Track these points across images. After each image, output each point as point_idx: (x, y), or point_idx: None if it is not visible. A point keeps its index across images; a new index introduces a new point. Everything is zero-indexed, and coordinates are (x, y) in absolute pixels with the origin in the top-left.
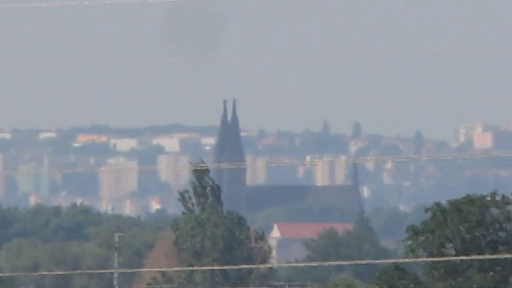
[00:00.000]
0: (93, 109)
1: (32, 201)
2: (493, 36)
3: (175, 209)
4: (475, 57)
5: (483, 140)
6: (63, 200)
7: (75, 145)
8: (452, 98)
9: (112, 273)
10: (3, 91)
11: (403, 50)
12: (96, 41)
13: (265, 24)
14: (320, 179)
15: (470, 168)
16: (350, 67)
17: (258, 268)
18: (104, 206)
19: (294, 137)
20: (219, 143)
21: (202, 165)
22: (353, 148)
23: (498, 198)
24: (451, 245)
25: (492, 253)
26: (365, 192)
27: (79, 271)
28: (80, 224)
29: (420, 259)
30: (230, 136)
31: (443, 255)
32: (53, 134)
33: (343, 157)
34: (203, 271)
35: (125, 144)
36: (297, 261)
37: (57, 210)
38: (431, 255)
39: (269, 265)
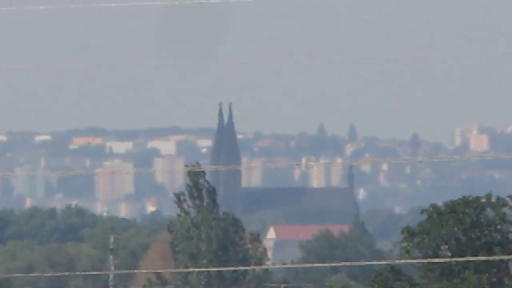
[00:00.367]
0: (89, 111)
1: (28, 203)
2: (488, 39)
3: (171, 211)
4: (471, 59)
5: (479, 142)
6: (58, 202)
7: (71, 147)
8: (448, 100)
9: (107, 275)
10: (3, 97)
11: (399, 53)
12: (93, 42)
13: (261, 27)
14: (316, 181)
15: (465, 170)
16: (346, 69)
17: (254, 269)
18: (100, 208)
19: (290, 139)
20: (215, 145)
21: (197, 167)
22: (349, 150)
23: (493, 199)
24: (446, 246)
25: (487, 255)
26: (361, 194)
27: (75, 273)
28: (75, 226)
29: (415, 261)
30: (226, 138)
31: (438, 257)
32: (48, 137)
33: (339, 160)
34: (198, 272)
35: (121, 146)
36: (293, 263)
37: (52, 212)
38: (426, 256)
39: (264, 267)
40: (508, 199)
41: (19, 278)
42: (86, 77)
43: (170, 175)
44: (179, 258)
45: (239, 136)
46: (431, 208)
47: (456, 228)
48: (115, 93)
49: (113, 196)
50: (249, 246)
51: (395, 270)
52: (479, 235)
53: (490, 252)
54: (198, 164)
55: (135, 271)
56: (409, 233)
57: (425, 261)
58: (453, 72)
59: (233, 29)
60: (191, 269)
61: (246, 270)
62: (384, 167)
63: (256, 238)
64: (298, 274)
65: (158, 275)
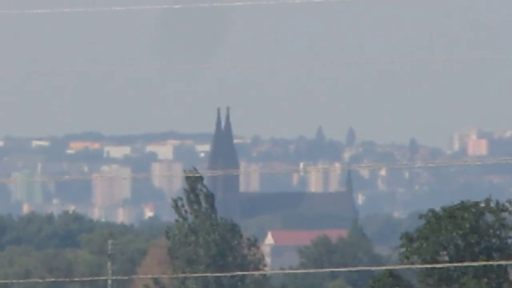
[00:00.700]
0: (86, 116)
1: (25, 208)
2: (487, 43)
3: (169, 217)
4: (470, 64)
5: (477, 147)
6: (55, 207)
7: (68, 152)
8: (447, 105)
9: (105, 281)
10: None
11: (397, 57)
12: (89, 46)
13: (260, 30)
14: (314, 185)
15: (464, 175)
16: (344, 74)
17: (252, 275)
18: (97, 213)
19: (288, 144)
20: (213, 150)
21: (195, 172)
22: (347, 155)
23: (492, 204)
24: (445, 252)
25: (487, 260)
26: (359, 198)
27: (72, 279)
28: (73, 231)
29: (414, 266)
30: (224, 143)
31: (437, 262)
32: (45, 142)
33: (337, 164)
34: (196, 278)
35: (118, 151)
36: (291, 268)
37: (50, 218)
38: (425, 262)
39: (262, 272)
40: (507, 204)
41: (17, 283)
42: (82, 82)
43: (168, 180)
44: (177, 264)
45: (237, 141)
46: (430, 213)
47: (454, 233)
48: (112, 97)
49: (111, 201)
50: (247, 251)
51: (393, 276)
52: (478, 240)
53: (489, 258)
54: (195, 169)
55: (133, 276)
56: (408, 238)
57: (424, 266)
58: (452, 77)
59: (231, 32)
60: (189, 275)
61: (244, 275)
62: (383, 172)
63: (254, 243)
64: (296, 280)
65: (156, 280)
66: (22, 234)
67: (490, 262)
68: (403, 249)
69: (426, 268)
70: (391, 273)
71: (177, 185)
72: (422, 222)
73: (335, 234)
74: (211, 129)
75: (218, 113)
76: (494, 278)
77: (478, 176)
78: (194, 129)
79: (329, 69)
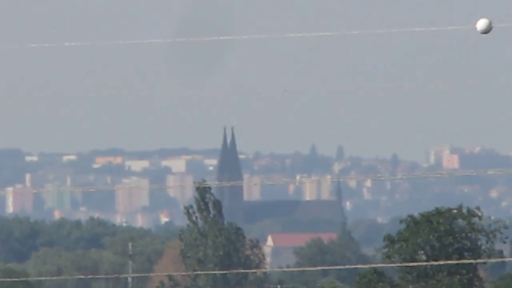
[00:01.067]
0: (110, 134)
1: (56, 215)
2: (460, 69)
3: (182, 222)
4: (444, 87)
5: (450, 161)
6: (83, 214)
7: (94, 166)
8: (424, 124)
9: (126, 278)
10: (30, 120)
11: (381, 83)
12: (113, 73)
13: (257, 57)
14: (308, 194)
15: (439, 185)
16: (335, 98)
17: (254, 272)
18: (119, 219)
19: (285, 158)
20: (220, 164)
21: (204, 183)
22: (337, 168)
23: (464, 211)
24: (422, 252)
25: (459, 259)
26: (348, 206)
27: (97, 276)
28: (98, 235)
29: (395, 264)
30: (229, 158)
31: (415, 261)
32: (74, 157)
33: (328, 176)
34: (205, 275)
35: (138, 165)
36: (288, 267)
37: (78, 223)
38: (405, 260)
39: (263, 270)
40: (476, 210)
41: (49, 280)
42: (106, 105)
43: (181, 190)
44: (188, 263)
45: (241, 156)
46: (409, 218)
47: (431, 236)
48: (132, 119)
49: (131, 208)
50: (250, 252)
51: (377, 273)
52: (452, 242)
53: (461, 257)
54: (205, 180)
55: (150, 274)
56: (390, 240)
57: (404, 265)
58: (428, 100)
59: (232, 58)
60: (199, 272)
61: (247, 273)
62: (368, 182)
63: (256, 245)
64: (293, 277)
65: (170, 277)
66: (54, 237)
67: (462, 261)
68: (385, 250)
69: (406, 266)
70: (375, 270)
71: (189, 195)
72: (402, 226)
73: (326, 237)
74: (219, 145)
75: (224, 132)
76: (465, 275)
77: (451, 186)
78: (203, 146)
79: (322, 93)
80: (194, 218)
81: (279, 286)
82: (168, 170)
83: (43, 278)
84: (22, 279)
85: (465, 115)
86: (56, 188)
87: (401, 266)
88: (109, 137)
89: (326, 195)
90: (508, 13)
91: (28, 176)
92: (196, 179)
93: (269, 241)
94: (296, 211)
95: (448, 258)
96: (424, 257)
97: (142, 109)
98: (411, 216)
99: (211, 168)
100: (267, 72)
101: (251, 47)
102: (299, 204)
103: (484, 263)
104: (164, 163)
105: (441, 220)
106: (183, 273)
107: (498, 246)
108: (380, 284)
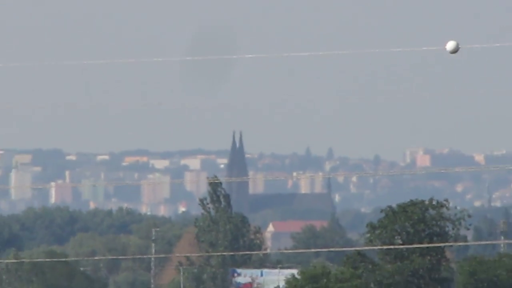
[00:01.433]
0: (137, 137)
1: (91, 205)
2: (433, 80)
3: (197, 211)
4: (418, 97)
5: (423, 160)
6: (114, 205)
7: (123, 164)
8: (401, 129)
9: (150, 258)
10: (70, 125)
11: (366, 96)
12: (136, 83)
13: (261, 71)
14: (304, 188)
15: (413, 181)
16: (326, 107)
17: (257, 254)
18: (144, 209)
19: (284, 158)
20: (230, 163)
21: (216, 179)
22: (327, 166)
23: (434, 202)
24: (399, 237)
25: (429, 243)
26: (336, 198)
27: (126, 257)
28: (126, 222)
29: (376, 247)
30: (237, 157)
31: (393, 244)
32: (106, 157)
33: (320, 173)
34: (217, 256)
35: (160, 163)
36: (286, 249)
37: (109, 212)
38: (384, 244)
39: (264, 252)
40: (444, 202)
41: (85, 260)
42: (133, 112)
43: (196, 185)
44: (202, 246)
45: (247, 156)
46: (388, 209)
47: (406, 223)
48: (157, 123)
49: (155, 200)
50: (253, 236)
51: (361, 255)
52: (423, 228)
53: (431, 241)
54: (216, 176)
55: (170, 255)
56: (372, 227)
57: (383, 247)
58: (405, 109)
59: (238, 72)
60: (211, 254)
61: (251, 254)
62: (354, 178)
63: (259, 231)
64: (290, 258)
65: (187, 258)
66: (89, 224)
67: (432, 245)
68: (368, 235)
69: (385, 249)
70: (359, 252)
71: (203, 189)
72: (382, 215)
73: (318, 224)
74: (228, 147)
75: (233, 136)
76: (434, 256)
77: (423, 182)
78: (216, 147)
79: (315, 104)
80: (207, 208)
81: (278, 266)
82: (186, 168)
83: (80, 258)
84: (62, 259)
85: (436, 121)
86: (91, 182)
87: (381, 249)
88: (137, 140)
89: (318, 189)
90: (474, 36)
91: (67, 173)
92: (209, 175)
93: (270, 227)
94: (293, 203)
95: (420, 242)
96: (400, 241)
97: (164, 117)
98: (389, 207)
99: (222, 166)
100: (268, 84)
101: (255, 63)
102: (295, 197)
103: (451, 246)
104: (183, 162)
105: (414, 210)
106: (198, 254)
107: (462, 232)
108: (363, 264)
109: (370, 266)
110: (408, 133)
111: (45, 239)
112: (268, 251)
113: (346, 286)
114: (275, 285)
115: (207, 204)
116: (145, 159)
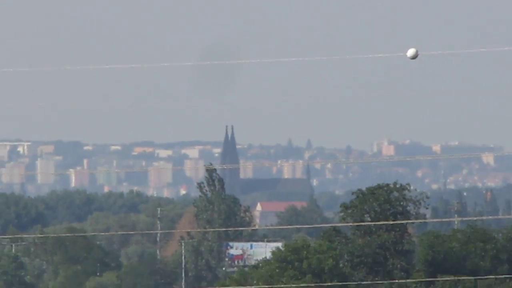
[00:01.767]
0: (145, 130)
1: (105, 189)
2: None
3: (196, 194)
4: (384, 95)
5: (388, 150)
6: (125, 188)
7: (133, 153)
8: (369, 123)
9: (156, 234)
10: (88, 119)
11: (340, 94)
12: (148, 84)
13: (261, 76)
14: (287, 174)
15: (380, 167)
16: (305, 104)
17: (247, 230)
18: (151, 191)
19: (270, 148)
20: (223, 152)
21: (212, 166)
22: (307, 155)
23: (397, 186)
24: (368, 215)
25: (394, 220)
26: (314, 182)
27: (136, 232)
28: (135, 203)
29: (348, 224)
30: (230, 148)
31: (363, 222)
32: (119, 147)
33: (300, 161)
34: (213, 231)
35: (164, 153)
36: (271, 225)
37: (121, 195)
38: (355, 221)
39: (253, 228)
40: (407, 185)
41: (101, 235)
42: (141, 109)
43: (195, 171)
44: (200, 223)
45: (238, 147)
46: (358, 191)
47: (374, 204)
48: (162, 119)
49: (160, 184)
50: (244, 215)
51: (336, 230)
52: (389, 208)
53: (395, 219)
54: (212, 164)
55: (173, 231)
56: (345, 207)
57: (354, 224)
58: (372, 105)
59: (241, 75)
60: (208, 230)
61: (242, 230)
62: (329, 165)
63: (248, 210)
64: (275, 233)
65: (188, 233)
66: (103, 204)
67: (396, 222)
68: (341, 214)
69: (356, 225)
70: (334, 228)
71: (201, 174)
72: (354, 197)
73: (299, 204)
74: (222, 139)
75: (226, 129)
76: (398, 231)
77: (389, 168)
78: (212, 138)
79: (296, 102)
80: (204, 191)
81: (265, 239)
82: (185, 157)
83: (96, 233)
84: (81, 234)
85: (399, 117)
86: (106, 169)
87: (352, 225)
88: (144, 133)
89: (299, 174)
90: (432, 43)
91: (85, 161)
92: (205, 163)
93: (258, 207)
94: (278, 186)
95: (386, 219)
96: (369, 219)
97: (168, 114)
98: (360, 190)
99: (216, 155)
100: (258, 87)
101: (254, 69)
102: (279, 181)
103: (412, 223)
104: (183, 151)
105: (381, 193)
106: (197, 230)
107: (422, 211)
108: (338, 238)
109: (343, 240)
110: (375, 127)
111: (66, 217)
112: (257, 227)
113: (323, 257)
114: (263, 256)
115: (204, 187)
116: (151, 149)
